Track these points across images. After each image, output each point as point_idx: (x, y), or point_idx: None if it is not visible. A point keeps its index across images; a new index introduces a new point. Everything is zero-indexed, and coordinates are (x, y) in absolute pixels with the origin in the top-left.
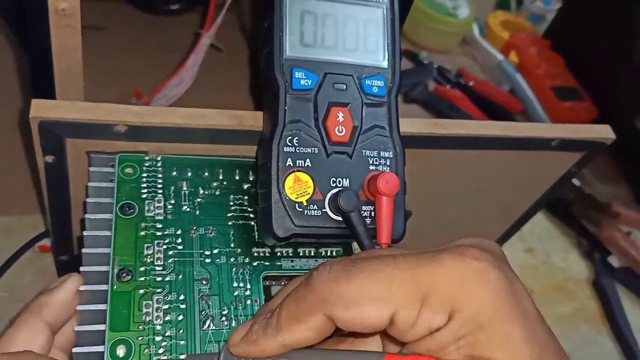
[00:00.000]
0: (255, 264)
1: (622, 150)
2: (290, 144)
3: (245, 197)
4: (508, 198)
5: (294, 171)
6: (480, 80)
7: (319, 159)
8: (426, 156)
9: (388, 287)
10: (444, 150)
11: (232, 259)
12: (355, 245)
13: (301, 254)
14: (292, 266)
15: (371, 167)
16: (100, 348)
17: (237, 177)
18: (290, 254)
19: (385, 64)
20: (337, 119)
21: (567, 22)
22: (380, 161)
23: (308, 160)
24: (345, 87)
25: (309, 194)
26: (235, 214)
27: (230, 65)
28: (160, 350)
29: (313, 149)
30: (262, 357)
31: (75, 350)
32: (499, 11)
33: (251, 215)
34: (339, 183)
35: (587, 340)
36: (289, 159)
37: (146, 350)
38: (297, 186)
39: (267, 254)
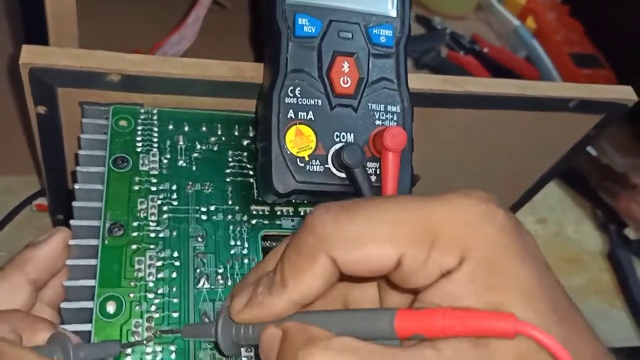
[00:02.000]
0: (253, 222)
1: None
2: (292, 95)
3: (245, 154)
4: (521, 164)
5: (296, 124)
6: (495, 47)
7: (322, 112)
8: (436, 116)
9: (394, 226)
10: (456, 110)
11: (229, 217)
12: None
13: (302, 214)
14: (293, 226)
15: (377, 122)
16: (89, 304)
17: (236, 133)
18: (291, 213)
19: (394, 12)
20: (342, 70)
21: None
22: (387, 116)
23: (311, 112)
24: (351, 35)
25: (311, 148)
26: (233, 171)
27: (234, 24)
28: (152, 308)
29: (316, 100)
30: (269, 319)
31: (63, 305)
32: None
33: (250, 173)
34: (343, 138)
35: (599, 313)
36: (291, 111)
37: (137, 308)
38: (299, 140)
39: (267, 213)
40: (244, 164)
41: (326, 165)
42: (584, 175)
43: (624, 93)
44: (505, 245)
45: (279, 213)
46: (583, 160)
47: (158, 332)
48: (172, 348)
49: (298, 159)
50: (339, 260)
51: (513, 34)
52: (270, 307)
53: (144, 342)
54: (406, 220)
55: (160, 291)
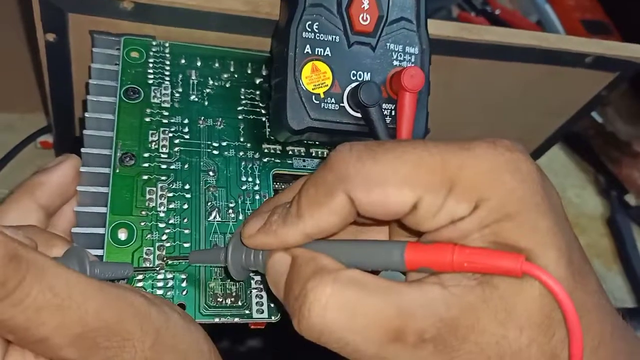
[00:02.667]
0: (265, 160)
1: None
2: (309, 30)
3: (257, 92)
4: (530, 121)
5: (313, 60)
6: (507, 9)
7: (339, 49)
8: (450, 66)
9: (415, 170)
10: (469, 60)
11: (241, 153)
12: None
13: (313, 154)
14: (304, 166)
15: (395, 63)
16: (101, 230)
17: (249, 71)
18: (302, 154)
19: None
20: (362, 6)
21: None
22: (405, 57)
23: (328, 49)
24: None
25: (327, 85)
26: (245, 108)
27: None
28: (164, 237)
29: (334, 37)
30: (281, 247)
31: (74, 230)
32: None
33: (262, 111)
34: (360, 77)
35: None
36: (308, 46)
37: (149, 236)
38: (315, 76)
39: (278, 152)
40: (256, 103)
41: (341, 104)
42: (588, 141)
43: (639, 52)
44: (525, 195)
45: (290, 153)
46: (588, 126)
47: (165, 258)
48: (183, 276)
49: (313, 96)
50: (356, 200)
51: None
52: (282, 236)
53: (157, 269)
54: (427, 165)
55: (171, 221)
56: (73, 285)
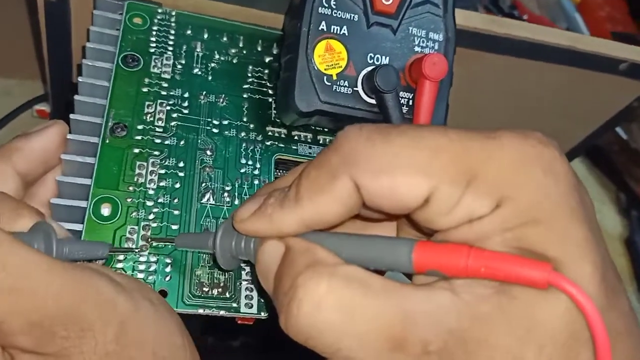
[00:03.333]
0: (268, 143)
1: None
2: (326, 5)
3: (266, 71)
4: (556, 127)
5: (327, 38)
6: (534, 15)
7: (357, 29)
8: (475, 60)
9: (432, 157)
10: (496, 56)
11: (242, 134)
12: None
13: (320, 142)
14: (310, 153)
15: (416, 49)
16: (82, 203)
17: (259, 48)
18: (309, 140)
19: None
20: None
21: None
22: (428, 43)
23: (345, 27)
24: None
25: (340, 67)
26: (251, 87)
27: None
28: (150, 217)
29: (352, 15)
30: (275, 235)
31: (53, 201)
32: None
33: (270, 92)
34: (377, 60)
35: None
36: (323, 22)
37: (134, 214)
38: (329, 56)
39: (283, 136)
40: (263, 82)
41: (355, 88)
42: (611, 157)
43: None
44: (558, 196)
45: (296, 138)
46: (612, 141)
47: (150, 240)
48: (168, 260)
49: (325, 77)
50: (363, 187)
51: (555, 5)
52: (278, 222)
53: (136, 249)
54: (446, 152)
55: (160, 200)
56: (30, 266)
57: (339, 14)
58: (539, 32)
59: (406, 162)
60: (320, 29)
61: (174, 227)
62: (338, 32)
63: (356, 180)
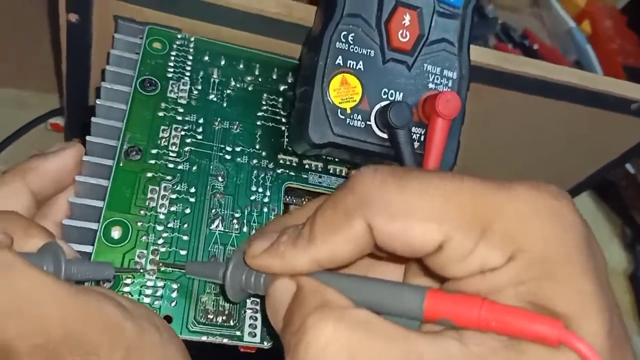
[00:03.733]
0: (279, 171)
1: None
2: (344, 40)
3: (280, 99)
4: (564, 164)
5: (343, 72)
6: (545, 45)
7: (373, 64)
8: (486, 95)
9: (446, 204)
10: (507, 92)
11: (254, 161)
12: None
13: (331, 171)
14: (320, 182)
15: (430, 86)
16: (94, 225)
17: (274, 76)
18: (319, 169)
19: None
20: (403, 22)
21: None
22: (442, 80)
23: (361, 62)
24: None
25: (355, 101)
26: (265, 115)
27: None
28: (160, 241)
29: (369, 51)
30: (287, 273)
31: (65, 222)
32: None
33: (283, 120)
34: (391, 96)
35: None
36: (340, 57)
37: (144, 238)
38: (344, 90)
39: (294, 164)
40: (277, 110)
41: (368, 122)
42: (619, 192)
43: None
44: (570, 251)
45: (307, 167)
46: (620, 176)
47: (161, 264)
48: (175, 286)
49: (339, 110)
50: (376, 230)
51: (566, 35)
52: (291, 260)
53: (141, 270)
54: (460, 199)
55: (170, 225)
56: (39, 289)
57: (356, 49)
58: (550, 70)
59: (421, 208)
60: (336, 63)
61: (182, 252)
62: (354, 67)
63: (370, 223)
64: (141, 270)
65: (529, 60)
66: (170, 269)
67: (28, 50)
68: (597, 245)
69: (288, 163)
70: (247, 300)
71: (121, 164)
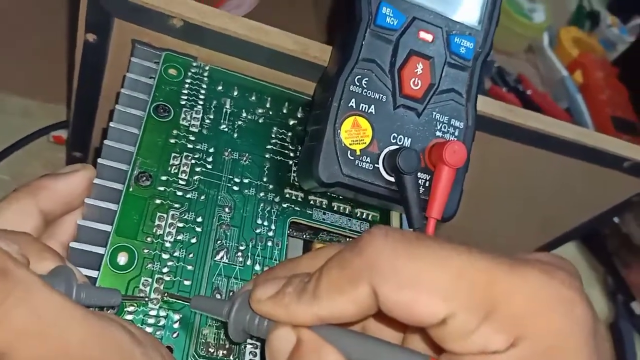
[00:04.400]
0: (284, 205)
1: None
2: (358, 84)
3: (289, 134)
4: (556, 212)
5: (355, 114)
6: (538, 91)
7: (384, 109)
8: (488, 143)
9: (455, 281)
10: (509, 142)
11: (261, 194)
12: (394, 214)
13: (335, 209)
14: (323, 219)
15: (438, 133)
16: (100, 249)
17: (284, 110)
18: (324, 206)
19: (479, 26)
20: (415, 71)
21: (638, 57)
22: (449, 129)
23: (373, 106)
24: (431, 38)
25: (365, 143)
26: (274, 148)
27: (292, 8)
28: (165, 270)
29: (381, 96)
30: (289, 323)
31: (72, 244)
32: (573, 27)
33: (291, 154)
34: (400, 141)
35: None
36: (353, 100)
37: (149, 265)
38: (355, 132)
39: (300, 199)
40: (286, 144)
41: (376, 165)
42: (603, 240)
43: None
44: (576, 343)
45: (312, 202)
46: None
47: (166, 295)
48: (177, 317)
49: (349, 151)
50: (382, 297)
51: (559, 83)
52: (294, 312)
53: (146, 299)
54: (470, 279)
55: (176, 254)
56: (59, 312)
57: (369, 93)
58: (551, 124)
59: (428, 282)
60: (349, 105)
61: (186, 282)
62: (366, 110)
63: (376, 289)
64: (146, 299)
65: (530, 114)
66: (172, 303)
67: (38, 59)
68: (603, 336)
69: (294, 198)
70: (248, 339)
71: (131, 189)
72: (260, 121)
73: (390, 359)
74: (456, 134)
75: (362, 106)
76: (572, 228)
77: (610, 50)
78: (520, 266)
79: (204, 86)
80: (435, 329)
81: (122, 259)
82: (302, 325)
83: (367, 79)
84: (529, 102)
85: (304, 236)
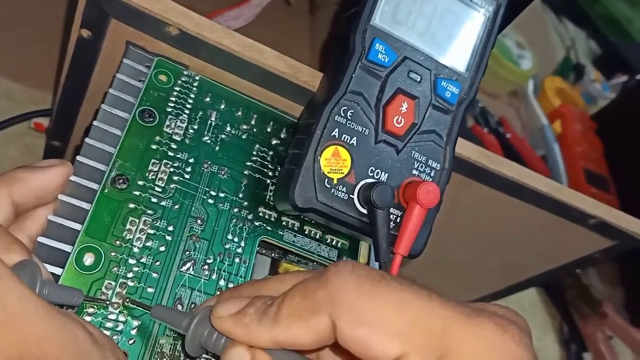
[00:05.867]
0: (257, 223)
1: (626, 255)
2: (343, 115)
3: (270, 153)
4: (518, 258)
5: (337, 144)
6: (517, 136)
7: (366, 142)
8: (461, 185)
9: (412, 325)
10: (481, 186)
11: (235, 210)
12: (363, 245)
13: (306, 232)
14: (294, 242)
15: (414, 172)
16: (67, 247)
17: (269, 129)
18: (296, 228)
19: (466, 73)
20: (400, 109)
21: (617, 115)
22: (426, 169)
23: (355, 138)
24: (419, 79)
25: (343, 173)
26: (254, 165)
27: (290, 23)
28: (129, 275)
29: (364, 129)
30: (245, 343)
31: (40, 239)
32: (558, 77)
33: (270, 173)
34: (377, 175)
35: None
36: (337, 130)
37: (114, 269)
38: (334, 161)
39: (273, 219)
40: (266, 163)
41: (351, 195)
42: (562, 289)
43: None
44: None
45: (284, 224)
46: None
47: (128, 300)
48: (135, 323)
49: (326, 179)
50: (339, 330)
51: (538, 131)
52: (252, 334)
53: (107, 302)
54: (426, 326)
55: (142, 260)
56: (24, 304)
57: (353, 125)
58: (524, 175)
59: (387, 322)
60: (332, 134)
61: (149, 290)
62: (348, 141)
63: (335, 322)
64: (107, 303)
65: (507, 162)
66: (133, 309)
67: (33, 45)
68: None
69: (267, 217)
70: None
71: (106, 190)
72: (243, 137)
73: None
74: (432, 174)
75: (345, 137)
76: (534, 275)
77: (591, 104)
78: (477, 317)
79: (192, 96)
80: None
81: (88, 259)
82: (259, 347)
83: (352, 111)
84: (507, 145)
85: (273, 255)
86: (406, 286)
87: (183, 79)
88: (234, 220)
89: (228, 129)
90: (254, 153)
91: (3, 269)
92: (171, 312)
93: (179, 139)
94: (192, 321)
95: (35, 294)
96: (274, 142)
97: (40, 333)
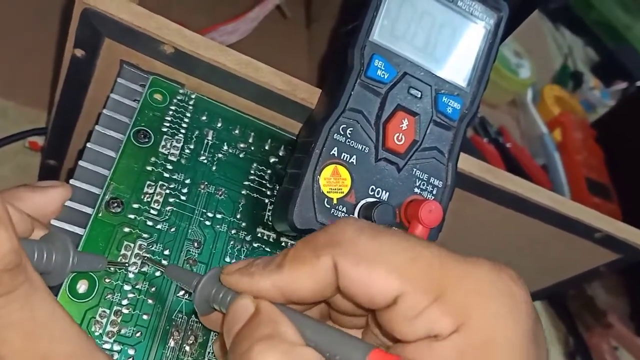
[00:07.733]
0: (255, 245)
1: (631, 266)
2: (342, 133)
3: (269, 171)
4: (523, 273)
5: (336, 163)
6: (517, 145)
7: (366, 160)
8: (464, 200)
9: (411, 261)
10: (484, 200)
11: (233, 231)
12: None
13: None
14: None
15: (416, 190)
16: None
17: (266, 147)
18: None
19: (467, 87)
20: (400, 126)
21: (617, 122)
22: (428, 187)
23: (355, 157)
24: (420, 95)
25: (342, 192)
26: (252, 185)
27: (287, 36)
28: (124, 302)
29: (364, 147)
30: (251, 293)
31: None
32: (556, 86)
33: (268, 193)
34: (378, 194)
35: None
36: (336, 148)
37: (109, 296)
38: (334, 180)
39: (271, 240)
40: (264, 182)
41: (352, 215)
42: (567, 301)
43: None
44: (514, 334)
45: (283, 244)
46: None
47: (145, 258)
48: (131, 352)
49: (326, 199)
50: (341, 270)
51: (538, 140)
52: (257, 281)
53: (127, 264)
54: (424, 262)
55: (138, 286)
56: (55, 321)
57: (352, 143)
58: (528, 189)
59: (387, 259)
60: (331, 153)
61: (145, 317)
62: (347, 159)
63: (336, 262)
64: (126, 266)
65: (509, 176)
66: (128, 337)
67: (24, 61)
68: (542, 337)
69: (265, 238)
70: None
71: (100, 215)
72: (240, 156)
73: (339, 342)
74: (434, 192)
75: (344, 155)
76: (540, 289)
77: (590, 112)
78: (474, 259)
79: (188, 115)
80: (386, 312)
81: (81, 287)
82: (263, 296)
83: (351, 129)
84: (507, 156)
85: None
86: (408, 234)
87: (179, 97)
88: (231, 242)
89: (225, 147)
90: (252, 172)
91: (38, 281)
92: (184, 272)
93: (174, 159)
94: (201, 280)
95: (67, 313)
96: (272, 160)
97: (67, 353)
